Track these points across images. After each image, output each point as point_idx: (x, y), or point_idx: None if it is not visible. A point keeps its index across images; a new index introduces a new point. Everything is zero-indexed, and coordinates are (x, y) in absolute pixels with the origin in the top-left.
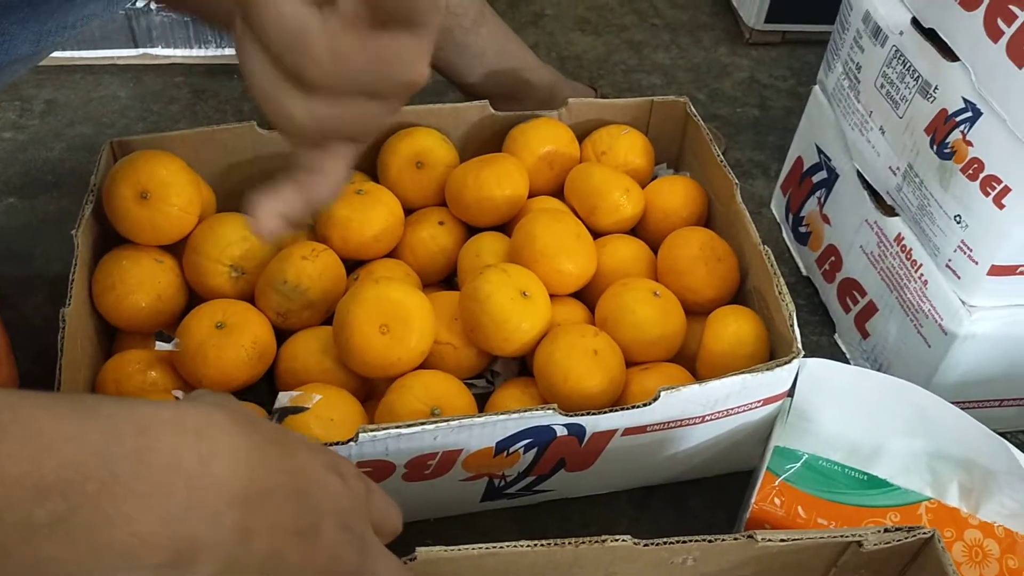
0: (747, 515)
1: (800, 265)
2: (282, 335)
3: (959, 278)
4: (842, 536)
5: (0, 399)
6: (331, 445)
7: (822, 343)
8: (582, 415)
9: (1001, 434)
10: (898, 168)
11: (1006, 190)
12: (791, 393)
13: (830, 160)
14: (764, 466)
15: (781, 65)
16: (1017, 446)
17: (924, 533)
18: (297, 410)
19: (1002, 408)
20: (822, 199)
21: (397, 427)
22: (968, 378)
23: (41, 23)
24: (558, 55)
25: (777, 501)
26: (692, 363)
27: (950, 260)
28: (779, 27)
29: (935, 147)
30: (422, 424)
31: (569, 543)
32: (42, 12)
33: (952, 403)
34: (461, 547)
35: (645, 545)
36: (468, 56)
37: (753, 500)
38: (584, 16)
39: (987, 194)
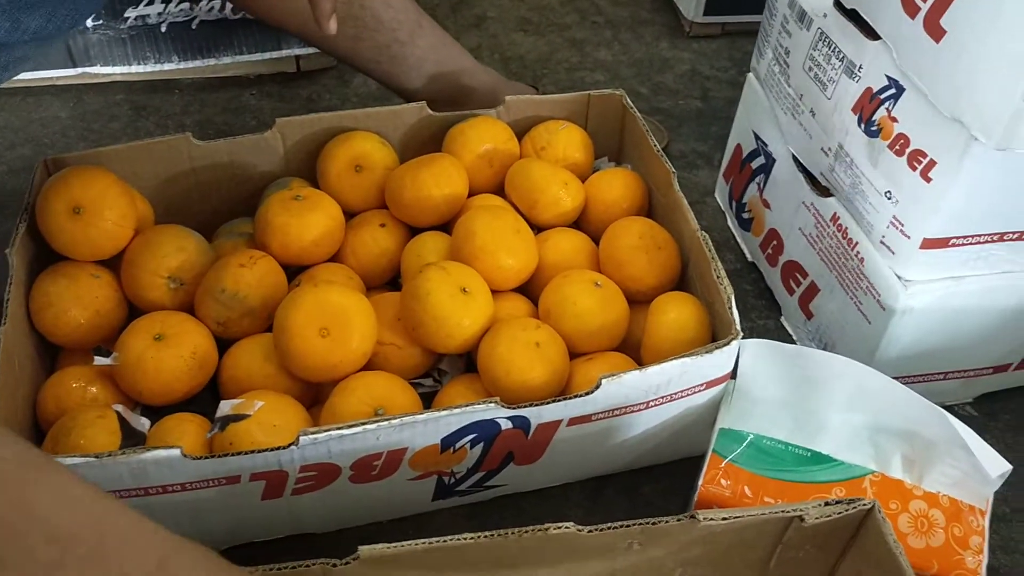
0: (695, 498)
1: (745, 251)
2: (225, 344)
3: (893, 253)
4: (784, 512)
5: None
6: (273, 450)
7: (769, 326)
8: (525, 407)
9: (947, 407)
10: (830, 149)
11: (932, 163)
12: (734, 375)
13: (767, 145)
14: (710, 448)
15: (722, 56)
16: (963, 418)
17: (864, 505)
18: (239, 417)
19: (947, 381)
20: (761, 184)
21: (338, 428)
22: (910, 352)
23: None
24: (501, 56)
25: (724, 482)
26: (637, 351)
27: (884, 236)
28: (718, 19)
29: (863, 125)
30: (363, 424)
31: (512, 533)
32: None
33: (897, 378)
34: (404, 543)
35: (589, 532)
36: (407, 67)
37: (700, 483)
38: (526, 17)
39: (914, 168)
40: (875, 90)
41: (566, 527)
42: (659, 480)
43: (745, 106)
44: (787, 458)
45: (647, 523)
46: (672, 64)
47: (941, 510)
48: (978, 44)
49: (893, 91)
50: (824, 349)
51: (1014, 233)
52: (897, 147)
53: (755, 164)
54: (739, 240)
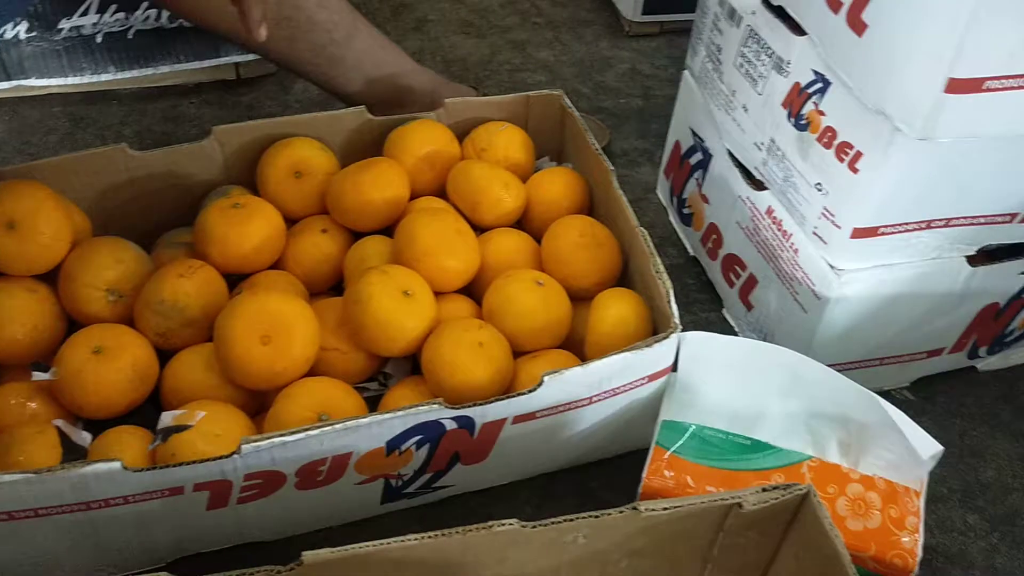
0: (640, 490)
1: (687, 246)
2: (166, 355)
3: (826, 243)
4: (723, 500)
5: None
6: (215, 459)
7: (712, 319)
8: (468, 407)
9: (885, 391)
10: (762, 143)
11: (858, 155)
12: (676, 368)
13: (703, 141)
14: (653, 441)
15: (661, 55)
16: (901, 402)
17: (800, 489)
18: (181, 428)
19: (883, 366)
20: (700, 180)
21: (280, 435)
22: (846, 339)
23: None
24: (443, 59)
25: (668, 474)
26: (581, 348)
27: (816, 227)
28: (656, 18)
29: (792, 120)
30: (306, 430)
31: (457, 532)
32: None
33: (835, 364)
34: (348, 547)
35: (534, 527)
36: (345, 69)
37: (644, 475)
38: (467, 20)
39: (842, 160)
40: (803, 85)
41: (510, 524)
42: (608, 474)
43: (682, 103)
44: (728, 447)
45: (591, 516)
46: (613, 63)
47: (878, 492)
48: (898, 38)
49: (820, 85)
50: (764, 339)
51: (941, 220)
52: (825, 140)
53: (693, 160)
54: (681, 235)
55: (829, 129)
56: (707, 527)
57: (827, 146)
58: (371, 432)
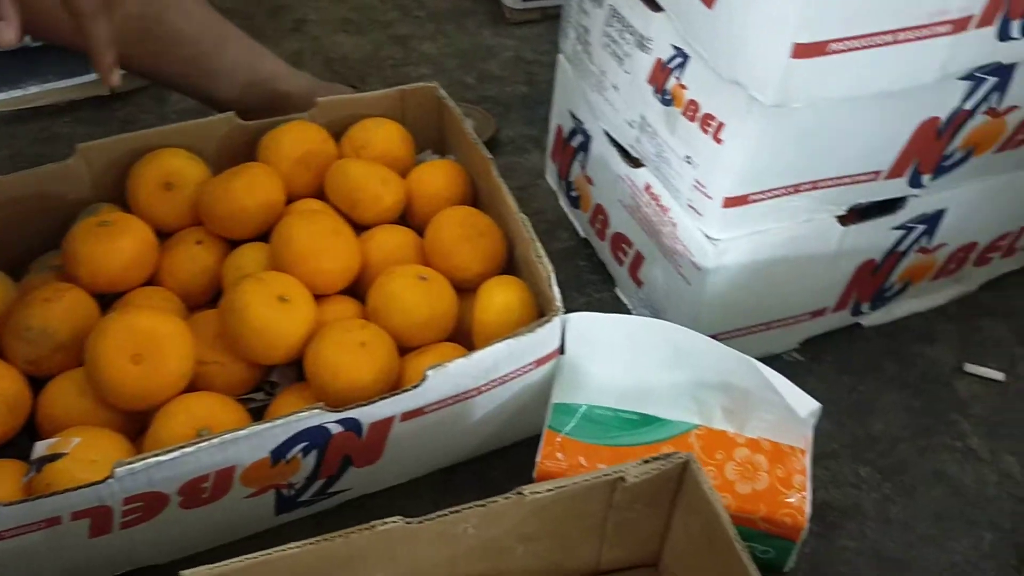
0: (534, 475)
1: (578, 228)
2: (40, 383)
3: (700, 215)
4: (606, 475)
5: None
6: (89, 486)
7: (605, 299)
8: (351, 408)
9: (776, 355)
10: (634, 121)
11: (721, 126)
12: (563, 350)
13: (582, 124)
14: (545, 425)
15: (544, 40)
16: (791, 364)
17: (680, 458)
18: (55, 457)
19: (771, 330)
20: (583, 162)
21: (156, 455)
22: (731, 307)
23: None
24: (325, 58)
25: (560, 456)
26: (471, 339)
27: (690, 200)
28: (537, 4)
29: (658, 96)
30: (182, 448)
31: (340, 536)
32: None
33: (724, 332)
34: (228, 562)
35: (420, 523)
36: (218, 78)
37: (537, 459)
38: (347, 17)
39: (707, 132)
40: (664, 60)
41: (393, 522)
42: (508, 462)
43: (559, 87)
44: (617, 424)
45: (477, 506)
46: (496, 52)
47: (764, 454)
48: (745, 8)
49: (680, 60)
50: (655, 315)
51: (808, 184)
52: (690, 113)
53: (575, 143)
54: (571, 218)
55: (692, 102)
56: (596, 505)
57: (692, 119)
58: (252, 443)
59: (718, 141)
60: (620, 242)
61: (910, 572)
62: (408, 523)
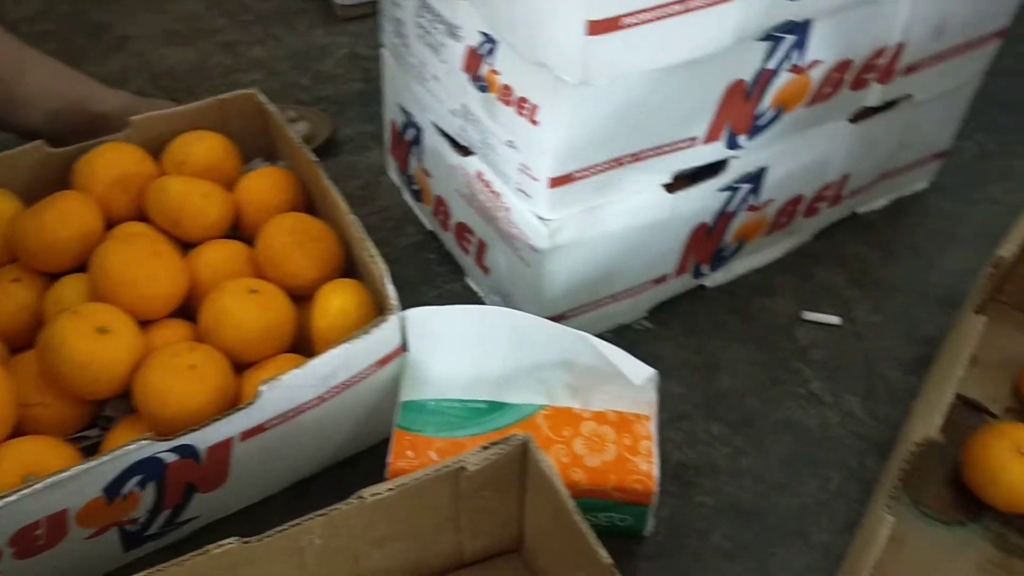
0: (386, 476)
1: (424, 221)
2: None
3: (530, 197)
4: (447, 467)
5: None
6: None
7: (456, 289)
8: (182, 435)
9: (625, 325)
10: (457, 110)
11: (535, 108)
12: (406, 348)
13: (412, 117)
14: (394, 424)
15: (377, 35)
16: (641, 332)
17: (519, 439)
18: None
19: (618, 302)
20: (419, 155)
21: None
22: (574, 285)
23: None
24: (150, 74)
25: (411, 454)
26: (313, 348)
27: (519, 183)
28: None
29: (474, 83)
30: (3, 498)
31: (175, 564)
32: None
33: (571, 311)
34: None
35: (258, 541)
36: (22, 107)
37: (388, 460)
38: (172, 29)
39: (523, 115)
40: (475, 47)
41: (229, 543)
42: (366, 467)
43: (387, 82)
44: (466, 414)
45: (318, 515)
46: (330, 50)
47: (610, 425)
48: None
49: (489, 46)
50: (505, 300)
51: (629, 156)
52: (505, 98)
53: (409, 136)
54: (417, 212)
55: (506, 87)
56: (443, 498)
57: (508, 104)
58: (81, 483)
59: (535, 123)
60: (463, 232)
61: (764, 518)
62: (246, 542)
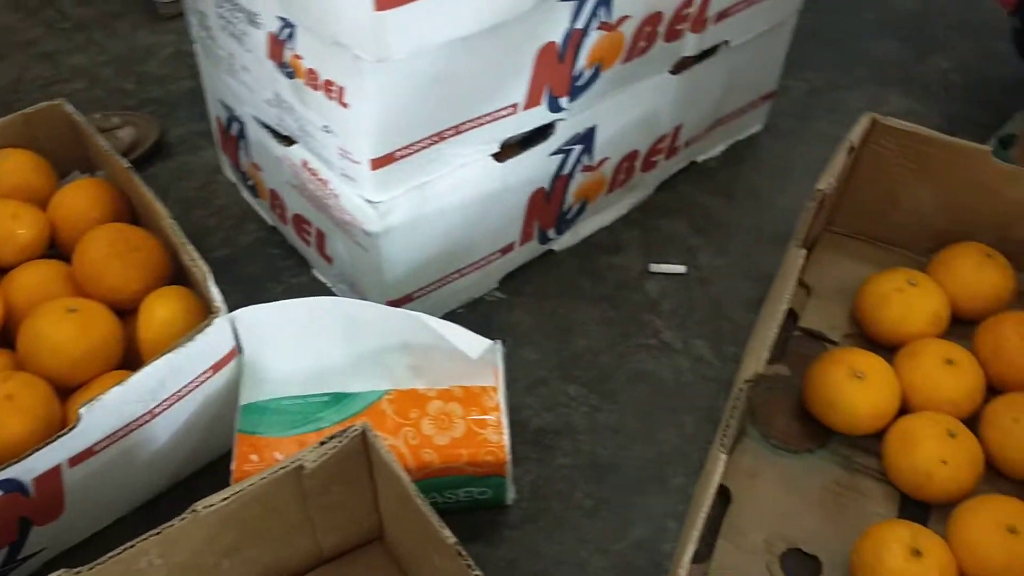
0: (231, 482)
1: (264, 217)
2: None
3: (355, 180)
4: (283, 468)
5: None
6: None
7: (303, 282)
8: (3, 468)
9: (478, 298)
10: (270, 100)
11: (342, 90)
12: (240, 350)
13: (233, 111)
14: (235, 429)
15: None
16: (494, 303)
17: (356, 430)
18: None
19: (466, 276)
20: (247, 150)
21: None
22: (415, 264)
23: None
24: None
25: (255, 458)
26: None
27: (342, 168)
28: None
29: (281, 70)
30: None
31: None
32: None
33: (418, 291)
34: None
35: (90, 569)
36: None
37: (232, 467)
38: None
39: (331, 98)
40: (276, 33)
41: (58, 575)
42: (216, 476)
43: (205, 78)
44: (308, 409)
45: (152, 535)
46: (155, 50)
47: (457, 401)
48: None
49: (288, 31)
50: (351, 288)
51: (450, 129)
52: (313, 83)
53: (234, 131)
54: (256, 208)
55: (311, 71)
56: (287, 499)
57: (316, 88)
58: None
59: (344, 105)
60: (301, 223)
61: (623, 471)
62: (77, 572)
